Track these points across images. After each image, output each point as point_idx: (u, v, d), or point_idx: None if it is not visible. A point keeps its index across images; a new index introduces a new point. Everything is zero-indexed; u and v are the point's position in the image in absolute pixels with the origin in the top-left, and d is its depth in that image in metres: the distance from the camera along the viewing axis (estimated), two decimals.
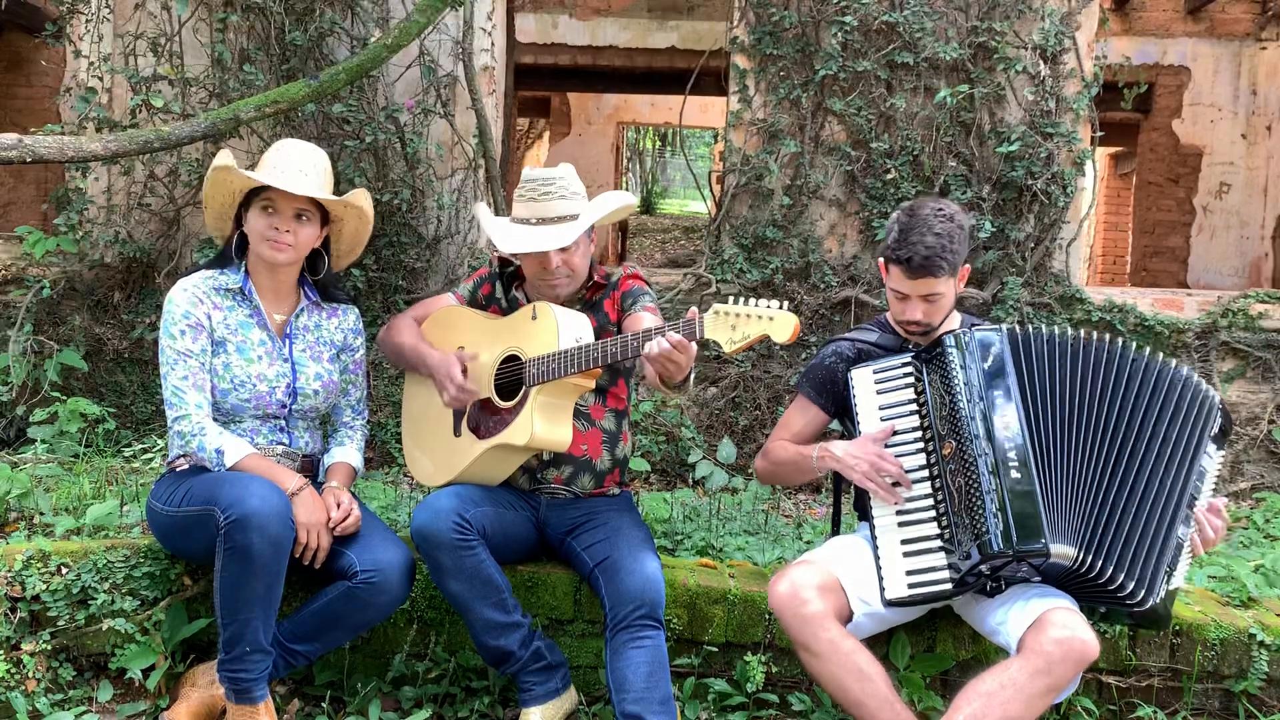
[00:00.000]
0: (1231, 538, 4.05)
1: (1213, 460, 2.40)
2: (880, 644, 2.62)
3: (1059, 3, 4.84)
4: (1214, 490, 2.43)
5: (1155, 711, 2.66)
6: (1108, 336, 2.39)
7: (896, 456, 2.43)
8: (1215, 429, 2.39)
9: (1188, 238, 8.73)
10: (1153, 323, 4.89)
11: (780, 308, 2.23)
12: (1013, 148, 4.75)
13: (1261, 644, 2.67)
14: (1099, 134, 4.93)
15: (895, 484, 2.40)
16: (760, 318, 2.22)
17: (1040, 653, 2.17)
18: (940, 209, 2.48)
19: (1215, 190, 8.61)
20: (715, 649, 2.75)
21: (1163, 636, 2.68)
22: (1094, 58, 4.91)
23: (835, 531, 2.76)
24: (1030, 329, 2.39)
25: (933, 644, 2.69)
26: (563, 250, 2.61)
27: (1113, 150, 11.83)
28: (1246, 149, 8.51)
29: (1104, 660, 2.68)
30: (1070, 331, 2.38)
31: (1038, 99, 4.83)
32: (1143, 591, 2.27)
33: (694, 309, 2.31)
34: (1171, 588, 2.35)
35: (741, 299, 2.27)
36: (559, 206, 2.59)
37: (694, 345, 2.26)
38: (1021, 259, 4.85)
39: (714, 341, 2.26)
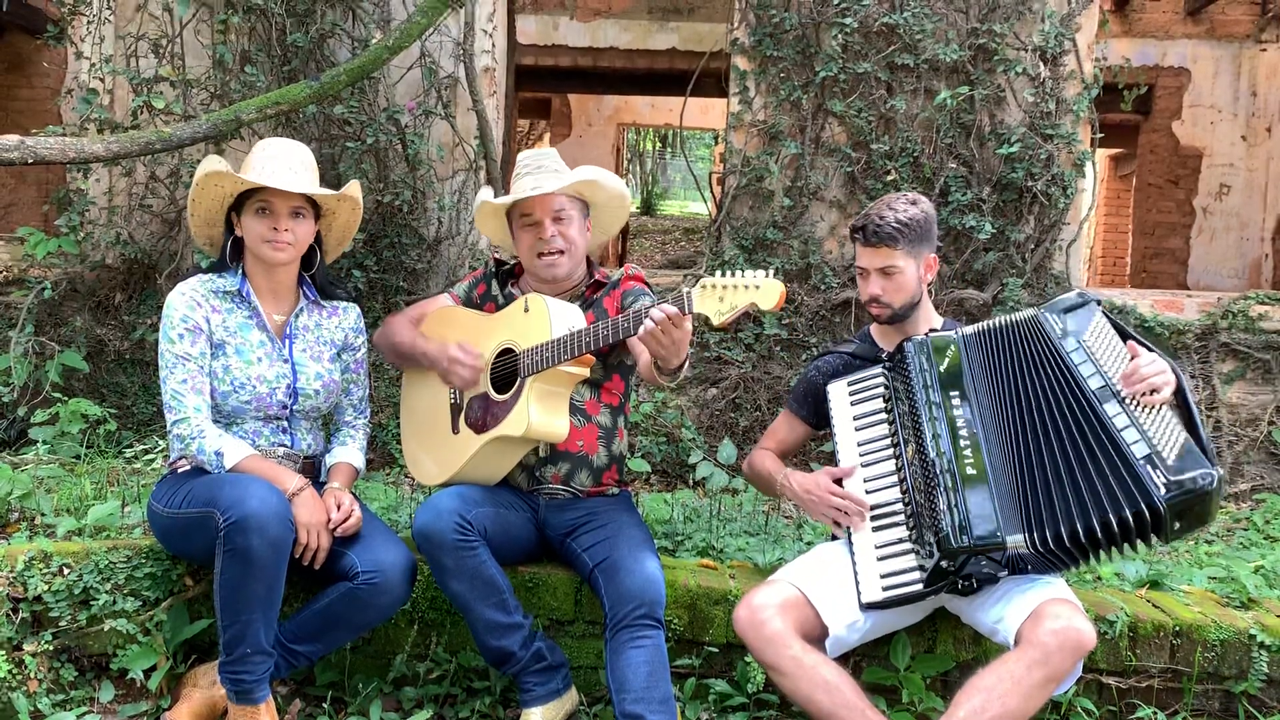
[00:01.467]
0: (1231, 539, 4.05)
1: (1085, 327, 2.34)
2: (881, 645, 2.62)
3: (1059, 4, 4.85)
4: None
5: (1155, 712, 2.66)
6: (1032, 311, 2.40)
7: (869, 464, 2.49)
8: (1063, 320, 2.35)
9: (1187, 239, 8.74)
10: (1153, 324, 4.89)
11: (767, 275, 2.24)
12: (1013, 149, 4.76)
13: (1261, 645, 2.67)
14: (1099, 135, 4.94)
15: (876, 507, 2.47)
16: (747, 287, 2.23)
17: (1037, 644, 2.19)
18: (905, 195, 2.62)
19: (1215, 192, 8.61)
20: (716, 650, 2.75)
21: (1162, 637, 2.68)
22: (1094, 59, 4.92)
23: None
24: (984, 326, 2.43)
25: (933, 645, 2.69)
26: (557, 221, 2.65)
27: (1113, 152, 11.83)
28: (1246, 150, 8.52)
29: (1104, 661, 2.69)
30: (1010, 317, 2.41)
31: (1038, 100, 4.83)
32: (1139, 499, 2.14)
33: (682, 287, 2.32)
34: (1184, 451, 2.17)
35: (727, 271, 2.28)
36: (551, 179, 2.67)
37: (688, 322, 2.27)
38: (1022, 260, 4.86)
39: (703, 315, 2.26)
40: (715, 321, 2.25)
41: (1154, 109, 8.80)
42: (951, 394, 2.38)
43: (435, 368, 2.69)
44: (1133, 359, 2.30)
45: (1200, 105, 8.60)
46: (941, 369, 2.41)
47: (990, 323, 2.46)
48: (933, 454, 2.34)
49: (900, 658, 2.64)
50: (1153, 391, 2.24)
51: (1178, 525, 2.16)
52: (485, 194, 2.81)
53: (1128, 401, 2.23)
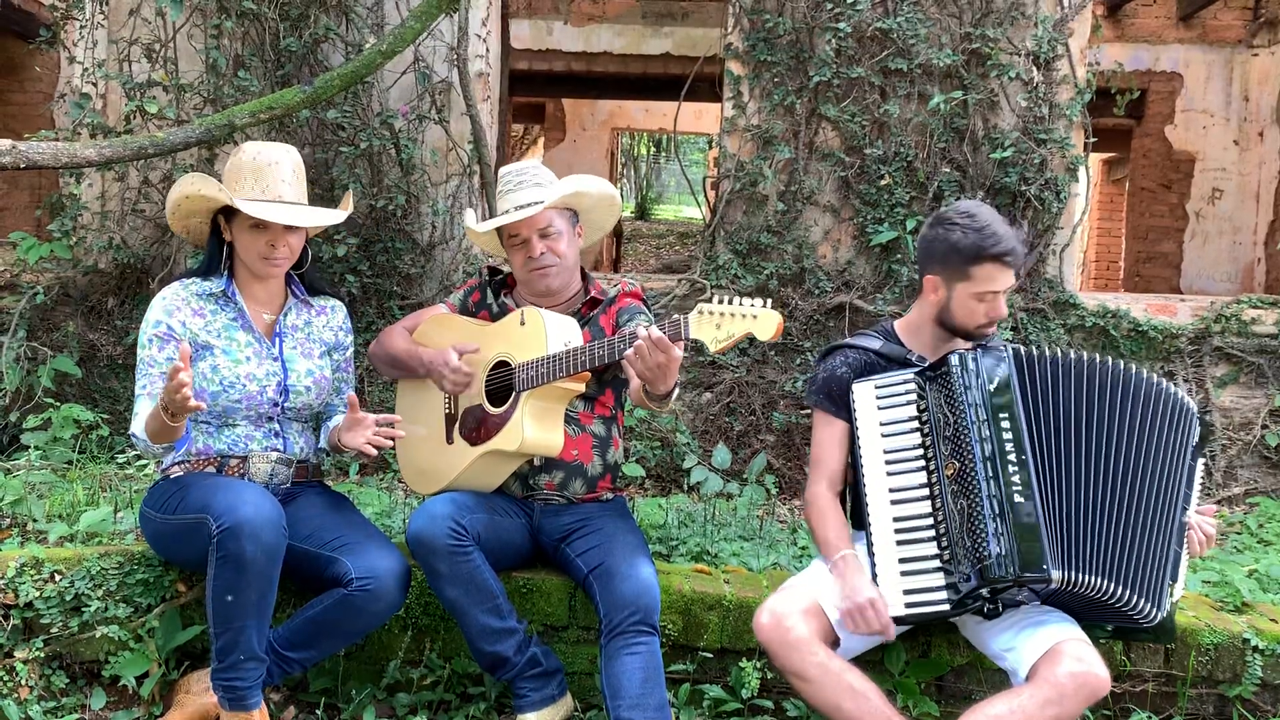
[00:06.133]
0: (1225, 543, 4.06)
1: (1196, 468, 2.43)
2: (875, 651, 2.61)
3: (1052, 9, 4.86)
4: (1200, 497, 2.47)
5: (1150, 717, 2.66)
6: (1106, 358, 2.39)
7: (896, 474, 2.41)
8: (1196, 438, 2.41)
9: (1180, 243, 8.76)
10: (1146, 328, 4.90)
11: (764, 305, 2.24)
12: (1006, 154, 4.77)
13: (1255, 649, 2.67)
14: (1092, 140, 4.95)
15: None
16: (744, 316, 2.24)
17: (1054, 684, 2.17)
18: (979, 205, 2.49)
19: (1208, 196, 8.63)
20: (710, 655, 2.75)
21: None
22: (1087, 64, 4.93)
23: None
24: (1035, 351, 2.39)
25: (927, 650, 2.69)
26: (544, 237, 2.64)
27: (1106, 156, 11.87)
28: (1238, 155, 8.54)
29: None
30: (1072, 354, 2.38)
31: (1031, 105, 4.85)
32: (1153, 607, 2.28)
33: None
34: (1174, 598, 2.37)
35: (726, 299, 2.27)
36: (533, 193, 2.65)
37: (677, 348, 2.26)
38: None
39: (699, 341, 2.27)
40: (711, 349, 2.26)
41: (1146, 114, 8.82)
42: (1002, 416, 2.30)
43: (431, 374, 2.69)
44: (1204, 506, 2.45)
45: (1193, 110, 8.62)
46: (992, 388, 2.32)
47: (1107, 364, 2.37)
48: (980, 478, 2.27)
49: (895, 663, 2.64)
50: (1204, 537, 2.41)
51: (1142, 635, 2.48)
52: (469, 219, 2.83)
53: (1185, 529, 2.39)
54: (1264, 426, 4.95)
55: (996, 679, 2.60)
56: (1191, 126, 8.65)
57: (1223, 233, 8.58)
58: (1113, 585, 2.25)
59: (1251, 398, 4.99)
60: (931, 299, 2.52)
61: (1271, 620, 2.78)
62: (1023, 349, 2.40)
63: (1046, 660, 2.21)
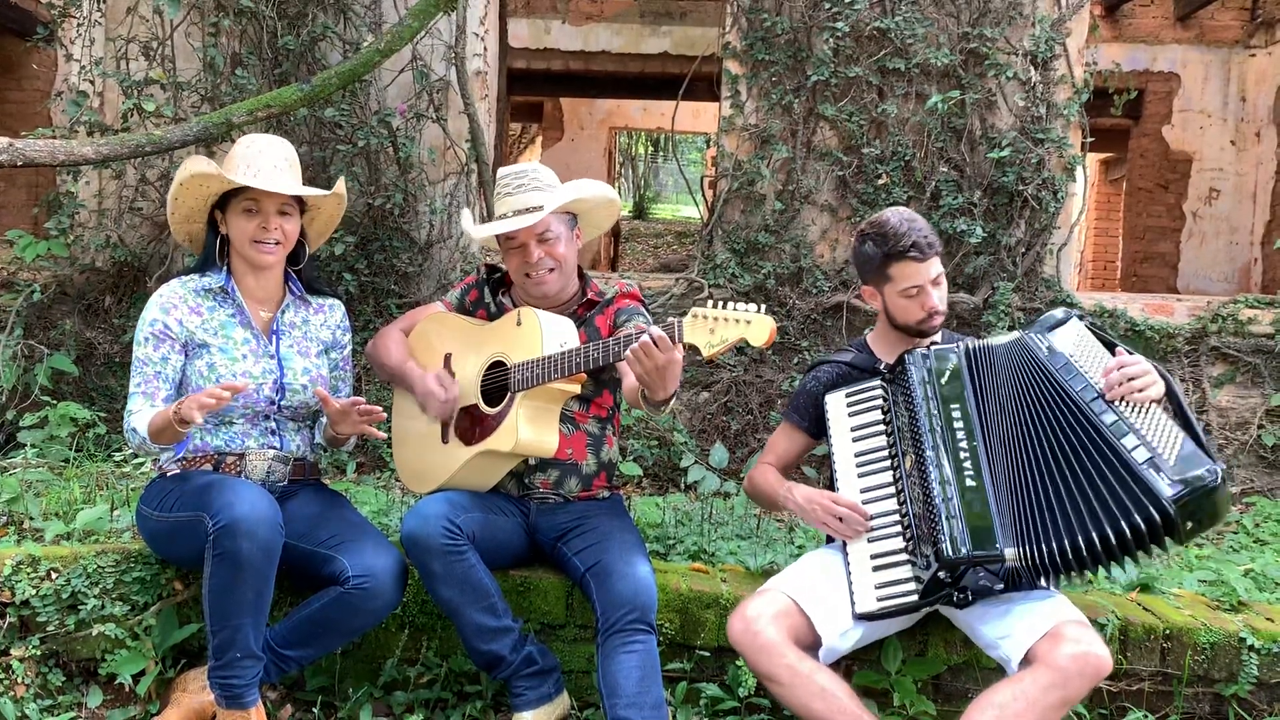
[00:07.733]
0: (1221, 542, 4.07)
1: (1069, 341, 2.34)
2: (872, 649, 2.62)
3: (1049, 9, 4.87)
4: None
5: (1146, 715, 2.67)
6: (1015, 334, 2.42)
7: (866, 475, 2.49)
8: (1046, 339, 2.36)
9: (1178, 243, 8.77)
10: (1143, 328, 4.91)
11: (758, 311, 2.24)
12: (1004, 153, 4.77)
13: (1251, 648, 2.68)
14: (1089, 140, 4.96)
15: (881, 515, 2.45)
16: (738, 321, 2.24)
17: (1055, 666, 2.17)
18: (898, 209, 2.61)
19: (1205, 196, 8.64)
20: (707, 653, 2.75)
21: (1153, 640, 2.69)
22: (1084, 64, 4.94)
23: (829, 539, 2.77)
24: (983, 343, 2.46)
25: (924, 648, 2.69)
26: (543, 242, 2.62)
27: (1103, 156, 11.88)
28: (1236, 155, 8.55)
29: None
30: (1000, 339, 2.44)
31: (1028, 105, 4.85)
32: (1145, 506, 2.09)
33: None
34: (1184, 451, 2.12)
35: (720, 303, 2.27)
36: (532, 198, 2.62)
37: (678, 351, 2.26)
38: (1012, 264, 4.87)
39: (692, 345, 2.26)
40: (705, 353, 2.26)
41: (1144, 114, 8.83)
42: (952, 407, 2.38)
43: (415, 395, 2.70)
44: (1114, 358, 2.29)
45: (1190, 110, 8.63)
46: (943, 382, 2.41)
47: (983, 343, 2.47)
48: (932, 466, 2.33)
49: (891, 661, 2.64)
50: (1137, 387, 2.20)
51: (1190, 525, 2.11)
52: (466, 220, 2.82)
53: (1118, 405, 2.21)
54: (1260, 426, 4.96)
55: (994, 677, 2.59)
56: (1189, 127, 8.66)
57: (1220, 233, 8.59)
58: (1078, 539, 2.16)
59: (1248, 397, 5.00)
60: (876, 307, 2.68)
61: (1268, 619, 2.78)
62: (973, 342, 2.47)
63: (1046, 643, 2.21)
